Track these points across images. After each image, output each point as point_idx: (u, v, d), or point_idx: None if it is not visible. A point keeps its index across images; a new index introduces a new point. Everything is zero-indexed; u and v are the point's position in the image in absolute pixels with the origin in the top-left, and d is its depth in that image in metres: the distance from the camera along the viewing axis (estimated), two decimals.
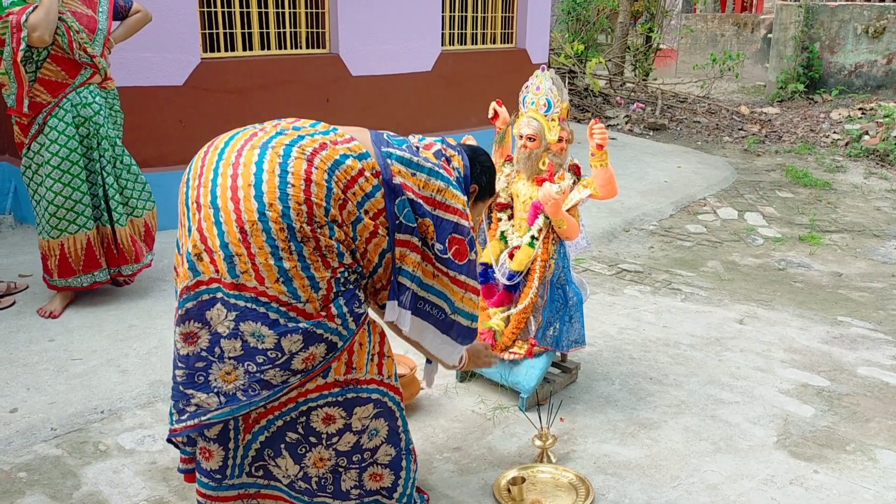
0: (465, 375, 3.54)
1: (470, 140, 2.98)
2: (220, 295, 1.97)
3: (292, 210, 1.95)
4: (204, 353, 2.01)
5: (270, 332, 1.97)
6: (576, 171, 3.30)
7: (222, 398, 2.02)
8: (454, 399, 3.39)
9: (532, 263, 3.26)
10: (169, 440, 2.24)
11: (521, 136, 3.26)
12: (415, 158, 2.22)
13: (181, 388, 2.05)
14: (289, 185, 1.96)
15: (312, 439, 2.17)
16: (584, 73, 11.66)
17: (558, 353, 3.44)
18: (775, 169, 8.64)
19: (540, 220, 3.24)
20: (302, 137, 2.07)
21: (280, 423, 2.12)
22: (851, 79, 12.74)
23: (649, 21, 13.76)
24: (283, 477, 2.20)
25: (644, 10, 14.25)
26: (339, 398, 2.15)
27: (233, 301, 1.96)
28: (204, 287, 1.98)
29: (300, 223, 1.96)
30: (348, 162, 2.06)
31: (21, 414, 3.14)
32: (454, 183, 2.29)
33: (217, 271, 1.96)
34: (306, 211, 1.96)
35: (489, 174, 2.55)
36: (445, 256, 2.23)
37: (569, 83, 11.86)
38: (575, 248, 3.48)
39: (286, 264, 1.96)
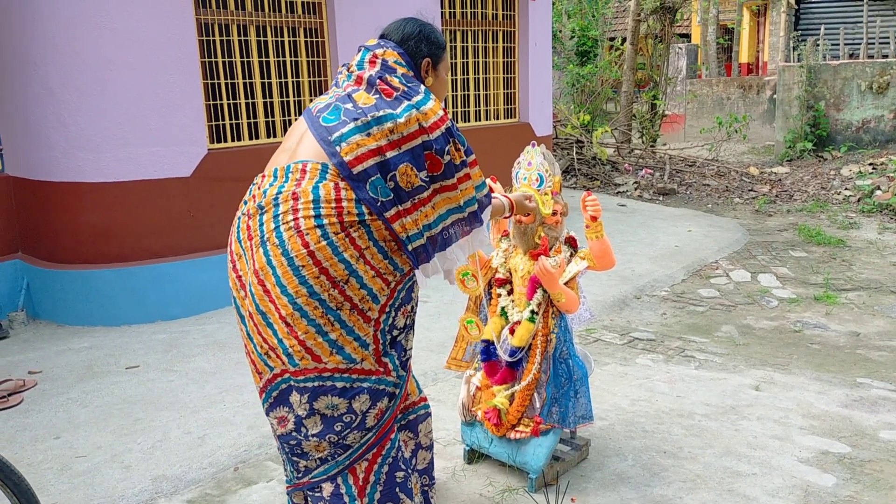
0: (474, 456, 3.46)
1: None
2: (292, 383, 2.20)
3: (315, 286, 2.09)
4: (294, 433, 2.27)
5: (341, 399, 2.19)
6: (572, 243, 3.30)
7: (318, 462, 2.29)
8: (462, 482, 3.30)
9: (533, 339, 3.22)
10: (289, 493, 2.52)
11: None
12: (360, 120, 2.16)
13: (290, 456, 2.33)
14: (300, 268, 2.09)
15: (409, 471, 2.38)
16: (592, 143, 11.78)
17: (566, 430, 3.35)
18: (788, 228, 8.59)
19: (538, 295, 3.21)
20: (277, 204, 2.16)
21: (386, 467, 2.30)
22: (860, 135, 12.77)
23: (653, 89, 13.95)
24: None
25: (648, 78, 14.47)
26: (402, 422, 2.51)
27: (302, 385, 2.18)
28: (279, 378, 2.23)
29: (327, 292, 2.10)
30: (322, 193, 2.13)
31: None
32: (402, 106, 2.19)
33: (284, 364, 2.19)
34: (325, 278, 2.10)
35: (426, 37, 2.39)
36: (428, 177, 2.23)
37: (577, 152, 11.98)
38: (578, 320, 3.44)
39: (332, 335, 2.14)
